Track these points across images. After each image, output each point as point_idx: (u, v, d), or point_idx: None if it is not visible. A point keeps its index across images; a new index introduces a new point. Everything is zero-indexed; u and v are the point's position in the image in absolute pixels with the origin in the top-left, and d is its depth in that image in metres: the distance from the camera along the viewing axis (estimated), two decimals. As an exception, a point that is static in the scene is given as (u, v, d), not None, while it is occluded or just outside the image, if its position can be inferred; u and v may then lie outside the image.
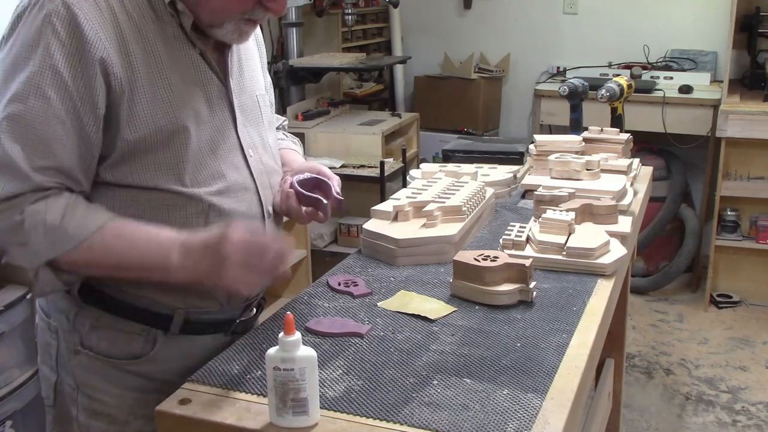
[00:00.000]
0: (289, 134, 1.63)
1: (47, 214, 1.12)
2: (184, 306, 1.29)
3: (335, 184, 1.41)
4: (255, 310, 1.47)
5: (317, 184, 1.40)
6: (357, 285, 1.50)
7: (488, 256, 1.45)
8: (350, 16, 4.07)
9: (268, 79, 1.51)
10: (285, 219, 1.48)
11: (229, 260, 1.14)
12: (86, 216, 1.15)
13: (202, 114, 1.26)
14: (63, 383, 1.33)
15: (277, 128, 1.57)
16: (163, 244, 1.18)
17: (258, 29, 1.47)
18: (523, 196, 2.10)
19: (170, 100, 1.21)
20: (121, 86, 1.16)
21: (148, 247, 1.18)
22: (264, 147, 1.39)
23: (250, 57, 1.42)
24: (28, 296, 2.14)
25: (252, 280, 1.18)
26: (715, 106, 3.86)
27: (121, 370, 1.29)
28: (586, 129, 2.25)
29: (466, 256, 1.45)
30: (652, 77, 4.27)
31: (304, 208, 1.38)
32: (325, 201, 1.36)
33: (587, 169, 1.92)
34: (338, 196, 1.37)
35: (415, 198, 1.75)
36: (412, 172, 2.14)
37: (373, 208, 1.77)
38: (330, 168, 3.43)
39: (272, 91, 1.52)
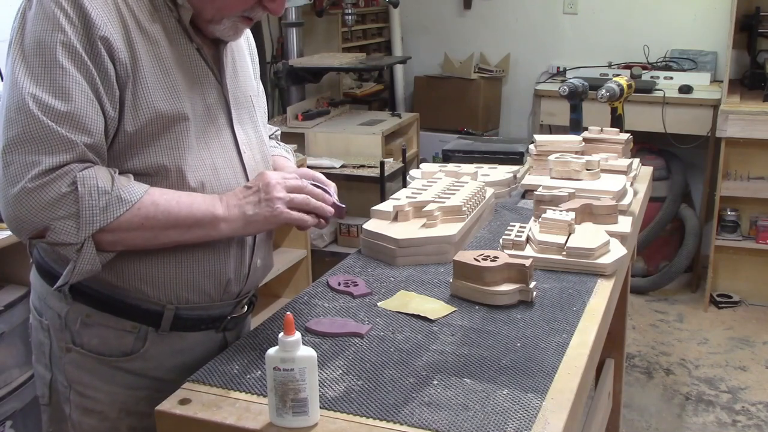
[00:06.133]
0: (281, 143, 1.63)
1: (98, 179, 1.12)
2: (174, 301, 1.29)
3: (333, 191, 1.40)
4: (246, 307, 1.47)
5: None
6: (357, 285, 1.50)
7: (488, 256, 1.45)
8: (350, 16, 4.07)
9: (261, 87, 1.51)
10: None
11: (274, 187, 1.23)
12: (130, 181, 1.17)
13: (199, 108, 1.26)
14: (56, 381, 1.34)
15: (270, 137, 1.57)
16: (205, 198, 1.23)
17: (252, 40, 1.48)
18: (523, 196, 2.10)
19: (171, 89, 1.21)
20: (126, 72, 1.16)
21: (192, 201, 1.21)
22: (258, 145, 1.40)
23: (243, 60, 1.43)
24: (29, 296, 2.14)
25: (302, 208, 1.26)
26: (715, 106, 3.87)
27: (112, 368, 1.29)
28: (586, 129, 2.25)
29: (466, 256, 1.45)
30: (652, 77, 4.28)
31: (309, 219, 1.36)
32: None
33: (587, 169, 1.92)
34: (339, 204, 1.36)
35: (415, 198, 1.75)
36: (412, 172, 2.14)
37: (373, 208, 1.77)
38: (330, 168, 3.39)
39: (265, 99, 1.53)
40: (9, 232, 2.01)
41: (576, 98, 2.49)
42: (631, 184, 2.00)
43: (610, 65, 4.49)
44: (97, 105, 1.14)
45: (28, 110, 1.09)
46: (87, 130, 1.13)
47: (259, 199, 1.23)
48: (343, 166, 3.46)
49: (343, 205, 1.36)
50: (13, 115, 1.10)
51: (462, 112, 4.63)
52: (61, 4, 1.12)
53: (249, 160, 1.34)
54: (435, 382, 1.14)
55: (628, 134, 2.23)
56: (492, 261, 1.43)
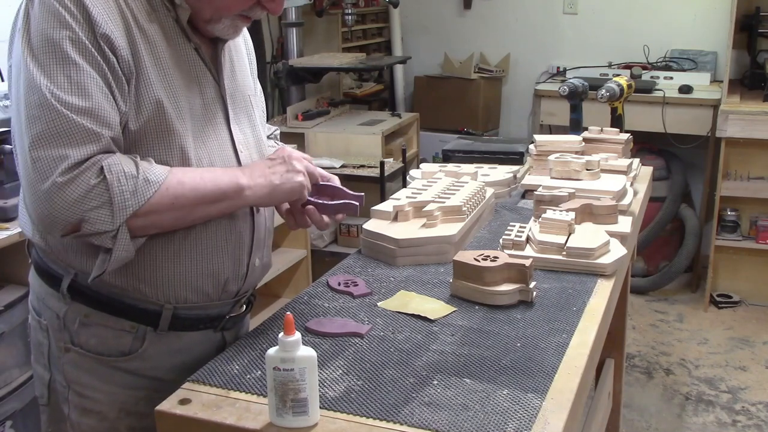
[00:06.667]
0: (281, 143, 1.63)
1: (123, 165, 1.13)
2: (172, 301, 1.29)
3: (340, 184, 1.41)
4: (245, 306, 1.47)
5: (318, 189, 1.40)
6: (357, 285, 1.50)
7: (488, 256, 1.45)
8: (350, 16, 4.07)
9: (259, 87, 1.51)
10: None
11: (298, 159, 1.31)
12: (152, 164, 1.17)
13: (196, 107, 1.27)
14: (55, 381, 1.34)
15: (269, 137, 1.57)
16: (225, 170, 1.26)
17: (249, 39, 1.48)
18: (523, 196, 2.10)
19: (169, 88, 1.21)
20: (129, 69, 1.17)
21: (215, 174, 1.23)
22: (256, 145, 1.40)
23: (242, 60, 1.43)
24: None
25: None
26: (715, 106, 3.87)
27: (110, 368, 1.29)
28: (586, 129, 2.25)
29: (466, 256, 1.45)
30: (652, 77, 4.28)
31: (326, 218, 1.37)
32: (356, 203, 1.37)
33: (587, 169, 1.92)
34: (358, 194, 1.38)
35: (415, 198, 1.75)
36: (412, 172, 2.14)
37: (373, 208, 1.77)
38: (330, 168, 3.39)
39: (263, 99, 1.53)
40: (9, 232, 2.03)
41: (576, 98, 2.49)
42: (631, 184, 2.00)
43: (610, 65, 4.49)
44: (111, 99, 1.14)
45: (50, 105, 1.09)
46: (108, 124, 1.13)
47: (287, 169, 1.29)
48: (343, 166, 3.46)
49: (362, 194, 1.39)
50: (35, 112, 1.10)
51: (462, 112, 4.63)
52: (64, 2, 1.12)
53: (246, 159, 1.34)
54: (435, 382, 1.14)
55: (628, 134, 2.23)
56: (492, 261, 1.43)
